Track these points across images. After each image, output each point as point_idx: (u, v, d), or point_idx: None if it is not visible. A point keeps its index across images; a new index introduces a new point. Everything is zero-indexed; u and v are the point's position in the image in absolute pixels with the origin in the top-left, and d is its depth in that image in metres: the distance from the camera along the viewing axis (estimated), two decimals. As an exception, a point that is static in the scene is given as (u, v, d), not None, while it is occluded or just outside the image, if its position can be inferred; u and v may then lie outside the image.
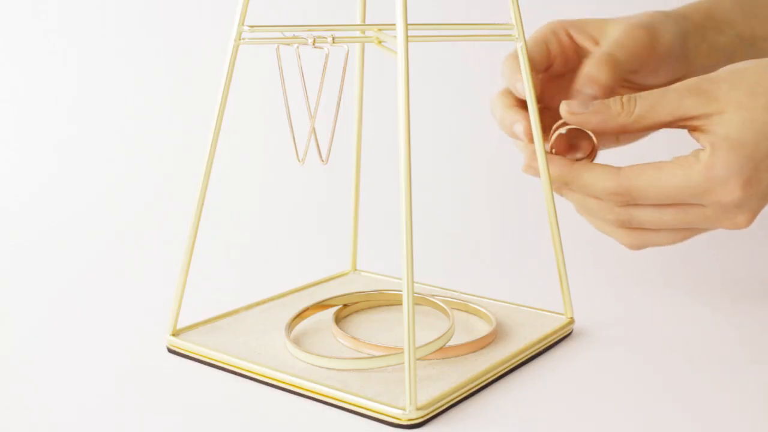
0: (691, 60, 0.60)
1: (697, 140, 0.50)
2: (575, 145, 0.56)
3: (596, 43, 0.58)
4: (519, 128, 0.54)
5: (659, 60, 0.58)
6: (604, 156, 0.61)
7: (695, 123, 0.49)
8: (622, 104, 0.50)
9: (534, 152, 0.53)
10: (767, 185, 0.49)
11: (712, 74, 0.50)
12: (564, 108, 0.51)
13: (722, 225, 0.50)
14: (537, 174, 0.54)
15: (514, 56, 0.57)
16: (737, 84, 0.49)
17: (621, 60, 0.55)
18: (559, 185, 0.53)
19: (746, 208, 0.49)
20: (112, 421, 0.44)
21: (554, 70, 0.59)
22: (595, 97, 0.54)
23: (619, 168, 0.50)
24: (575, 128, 0.53)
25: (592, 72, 0.54)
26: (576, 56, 0.59)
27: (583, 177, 0.51)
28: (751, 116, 0.48)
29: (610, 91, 0.54)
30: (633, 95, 0.50)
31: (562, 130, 0.53)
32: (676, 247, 0.73)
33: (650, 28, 0.57)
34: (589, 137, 0.53)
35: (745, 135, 0.47)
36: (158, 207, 0.86)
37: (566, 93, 0.60)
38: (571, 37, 0.58)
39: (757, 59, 0.51)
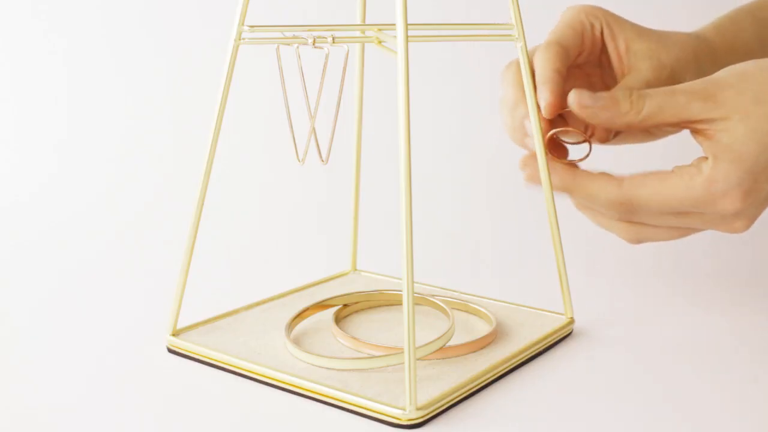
0: None
1: (700, 144, 0.50)
2: (565, 145, 0.56)
3: (619, 56, 0.58)
4: (530, 127, 0.55)
5: None
6: (610, 156, 0.61)
7: (699, 126, 0.50)
8: (631, 103, 0.50)
9: (536, 163, 0.54)
10: (766, 194, 0.50)
11: (719, 77, 0.51)
12: (574, 99, 0.51)
13: (721, 229, 0.51)
14: (540, 183, 0.55)
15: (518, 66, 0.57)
16: (743, 90, 0.49)
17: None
18: (561, 190, 0.53)
19: (744, 216, 0.50)
20: (112, 421, 0.44)
21: (575, 61, 0.59)
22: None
23: (621, 178, 0.51)
24: (566, 129, 0.53)
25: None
26: (598, 51, 0.59)
27: (585, 187, 0.51)
28: (754, 126, 0.48)
29: None
30: (642, 93, 0.50)
31: (552, 131, 0.54)
32: (676, 248, 0.73)
33: (676, 77, 0.57)
34: (583, 134, 0.53)
35: (747, 147, 0.48)
36: (158, 207, 0.86)
37: (575, 81, 0.61)
38: (602, 34, 0.59)
39: (757, 60, 0.51)
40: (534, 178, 0.55)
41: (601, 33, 0.58)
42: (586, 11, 0.58)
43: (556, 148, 0.55)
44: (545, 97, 0.55)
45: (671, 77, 0.57)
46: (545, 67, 0.55)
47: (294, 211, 0.86)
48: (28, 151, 0.95)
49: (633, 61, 0.58)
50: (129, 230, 0.81)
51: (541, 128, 0.54)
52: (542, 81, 0.55)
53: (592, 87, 0.61)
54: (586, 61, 0.59)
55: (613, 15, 0.59)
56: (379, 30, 0.48)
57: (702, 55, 0.60)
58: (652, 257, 0.72)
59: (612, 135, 0.56)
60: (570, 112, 0.53)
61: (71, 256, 0.74)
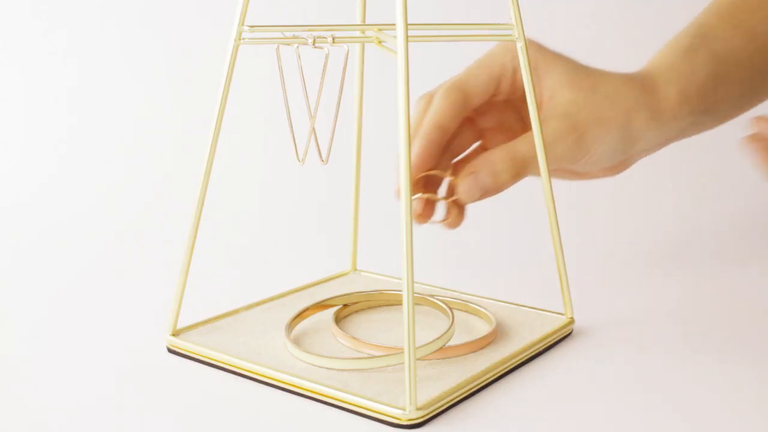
0: (627, 159, 0.60)
1: None
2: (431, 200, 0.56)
3: (540, 104, 0.55)
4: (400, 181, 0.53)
5: (586, 164, 0.57)
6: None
7: None
8: None
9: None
10: None
11: None
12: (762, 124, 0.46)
13: None
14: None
15: (425, 100, 0.56)
16: None
17: (535, 167, 0.54)
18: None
19: None
20: (112, 421, 0.44)
21: (491, 99, 0.57)
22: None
23: None
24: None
25: (496, 165, 0.53)
26: (522, 93, 0.55)
27: None
28: None
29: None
30: None
31: (423, 195, 0.54)
32: (675, 247, 0.74)
33: (582, 144, 0.55)
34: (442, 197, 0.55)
35: None
36: (158, 207, 0.86)
37: (501, 114, 0.58)
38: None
39: None
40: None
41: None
42: (513, 53, 0.55)
43: (429, 211, 0.55)
44: (414, 153, 0.54)
45: (576, 143, 0.55)
46: (427, 120, 0.54)
47: (294, 211, 0.86)
48: (28, 151, 0.95)
49: (547, 116, 0.55)
50: (129, 230, 0.81)
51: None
52: (417, 135, 0.54)
53: (522, 120, 0.59)
54: (511, 99, 0.57)
55: (546, 57, 0.56)
56: (379, 30, 0.48)
57: (634, 112, 0.56)
58: (653, 257, 0.72)
59: (477, 197, 0.54)
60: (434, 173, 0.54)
61: (71, 256, 0.74)
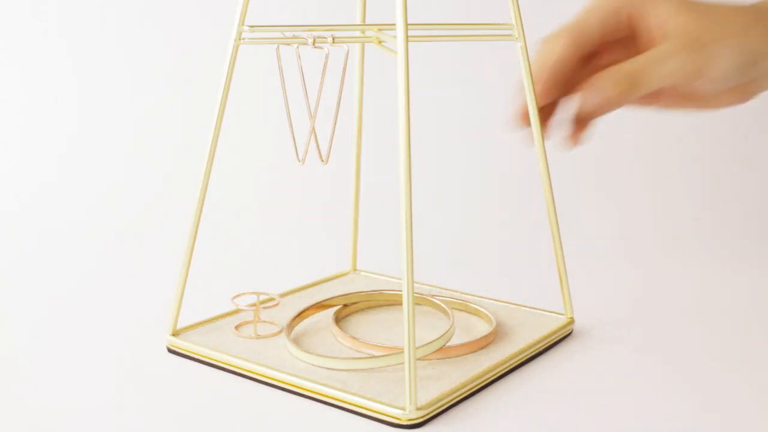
0: (750, 83, 0.58)
1: None
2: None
3: (652, 40, 0.56)
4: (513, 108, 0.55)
5: (705, 82, 0.56)
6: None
7: None
8: None
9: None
10: None
11: None
12: None
13: None
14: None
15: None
16: None
17: (649, 79, 0.54)
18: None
19: None
20: (112, 421, 0.44)
21: (602, 40, 0.57)
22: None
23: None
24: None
25: (609, 93, 0.53)
26: (627, 32, 0.56)
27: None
28: None
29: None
30: None
31: None
32: (675, 247, 0.74)
33: (702, 54, 0.55)
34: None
35: None
36: (158, 207, 0.86)
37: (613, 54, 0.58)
38: (632, 17, 0.56)
39: None
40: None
41: (632, 18, 0.56)
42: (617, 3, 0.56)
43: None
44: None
45: (693, 57, 0.54)
46: (546, 61, 0.55)
47: (294, 211, 0.86)
48: (29, 152, 0.95)
49: (664, 38, 0.55)
50: (129, 230, 0.81)
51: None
52: (538, 75, 0.55)
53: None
54: (624, 37, 0.57)
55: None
56: (379, 30, 0.48)
57: (751, 29, 0.56)
58: (653, 257, 0.72)
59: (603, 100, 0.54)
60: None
61: (72, 256, 0.74)
